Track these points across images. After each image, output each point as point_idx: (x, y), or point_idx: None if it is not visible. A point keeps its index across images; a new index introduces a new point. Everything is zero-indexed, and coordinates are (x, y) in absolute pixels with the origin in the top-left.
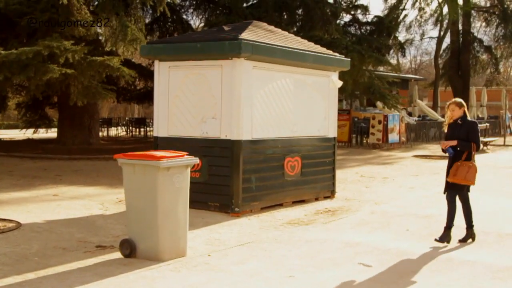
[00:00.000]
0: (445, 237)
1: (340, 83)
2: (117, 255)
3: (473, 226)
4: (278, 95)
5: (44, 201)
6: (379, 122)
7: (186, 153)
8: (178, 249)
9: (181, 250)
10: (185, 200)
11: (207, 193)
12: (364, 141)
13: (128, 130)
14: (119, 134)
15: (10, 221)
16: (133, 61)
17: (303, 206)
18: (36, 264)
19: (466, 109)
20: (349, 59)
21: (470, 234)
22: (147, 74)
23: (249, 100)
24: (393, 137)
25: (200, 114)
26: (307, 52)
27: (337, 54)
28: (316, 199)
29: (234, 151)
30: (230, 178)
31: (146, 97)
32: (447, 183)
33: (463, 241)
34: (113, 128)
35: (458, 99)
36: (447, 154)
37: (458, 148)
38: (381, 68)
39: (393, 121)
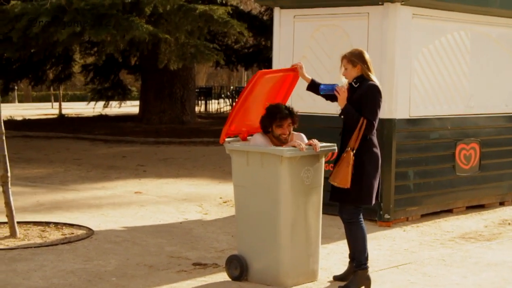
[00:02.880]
0: (348, 274)
1: None
2: (223, 276)
3: (363, 265)
4: (448, 55)
5: (123, 200)
6: None
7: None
8: (307, 271)
9: (311, 272)
10: (317, 203)
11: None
12: None
13: (234, 103)
14: (222, 109)
15: (79, 227)
16: (241, 9)
17: (482, 214)
18: (114, 286)
19: (367, 67)
20: None
21: (357, 278)
22: (260, 27)
23: (406, 62)
24: None
25: (337, 82)
26: None
27: None
28: (502, 204)
29: (384, 134)
30: None
31: (256, 58)
32: (332, 188)
33: None
34: (213, 100)
35: (355, 51)
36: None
37: (341, 116)
38: None
39: None
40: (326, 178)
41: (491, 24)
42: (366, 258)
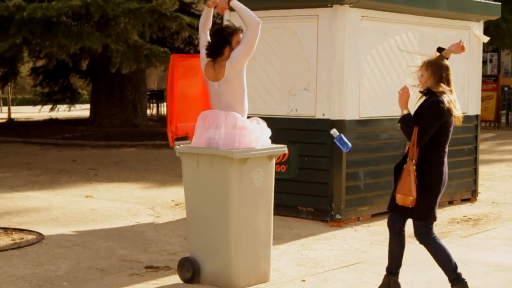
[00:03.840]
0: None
1: (486, 39)
2: (175, 279)
3: (455, 279)
4: (397, 56)
5: (74, 204)
6: None
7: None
8: (259, 272)
9: (263, 273)
10: (268, 204)
11: (296, 194)
12: None
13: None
14: None
15: (29, 232)
16: (191, 11)
17: None
18: None
19: (443, 81)
20: (499, 3)
21: None
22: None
23: (356, 63)
24: None
25: (287, 84)
26: None
27: None
28: (450, 203)
29: None
30: (329, 174)
31: None
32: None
33: None
34: (165, 103)
35: (438, 61)
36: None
37: (398, 124)
38: None
39: None
40: (277, 180)
41: (438, 25)
42: (455, 270)
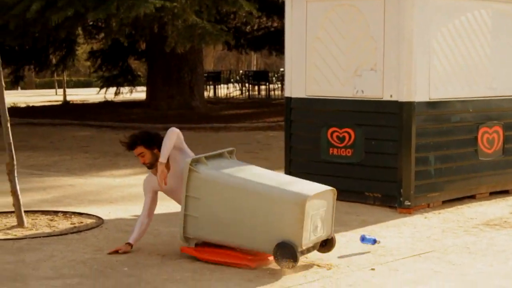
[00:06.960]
0: None
1: None
2: None
3: None
4: (468, 34)
5: (132, 188)
6: None
7: None
8: None
9: None
10: None
11: (363, 179)
12: None
13: (244, 88)
14: (231, 94)
15: (88, 216)
16: None
17: (507, 200)
18: (126, 276)
19: None
20: None
21: None
22: (271, 8)
23: (425, 42)
24: None
25: (353, 64)
26: None
27: None
28: None
29: (403, 118)
30: (398, 158)
31: (268, 41)
32: None
33: None
34: (222, 85)
35: None
36: None
37: None
38: None
39: None
40: (342, 164)
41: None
42: None
